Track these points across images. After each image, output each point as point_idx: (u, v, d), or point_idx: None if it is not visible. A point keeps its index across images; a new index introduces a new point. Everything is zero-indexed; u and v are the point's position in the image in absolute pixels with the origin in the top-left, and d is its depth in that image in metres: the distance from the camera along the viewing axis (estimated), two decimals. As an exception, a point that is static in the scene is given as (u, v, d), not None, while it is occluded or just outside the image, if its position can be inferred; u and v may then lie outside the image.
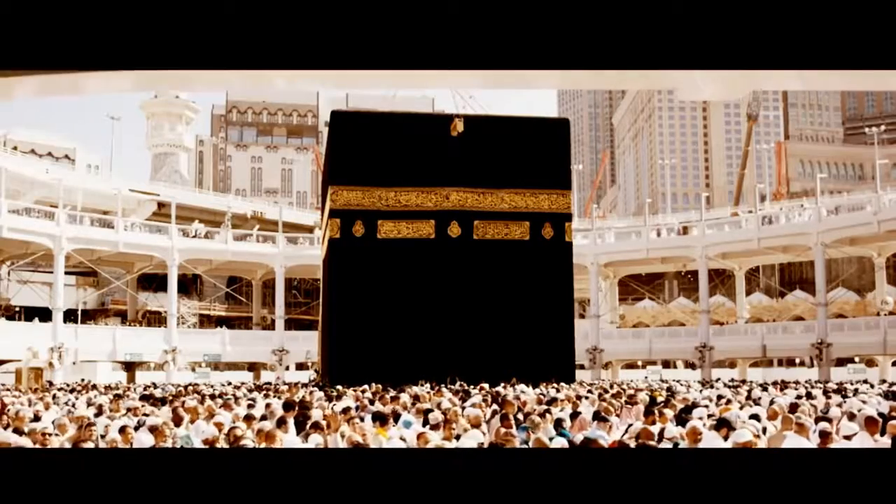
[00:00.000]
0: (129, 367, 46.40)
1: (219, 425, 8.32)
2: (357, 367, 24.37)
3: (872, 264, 45.84)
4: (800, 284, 52.87)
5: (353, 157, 27.72)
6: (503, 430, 8.17)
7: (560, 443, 7.14)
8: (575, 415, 9.83)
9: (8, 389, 23.77)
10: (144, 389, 22.58)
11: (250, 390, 20.26)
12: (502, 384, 19.58)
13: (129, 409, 11.62)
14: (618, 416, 10.66)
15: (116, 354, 43.38)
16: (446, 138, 26.07)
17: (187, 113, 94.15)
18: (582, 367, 41.91)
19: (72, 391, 22.59)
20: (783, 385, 24.04)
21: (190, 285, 56.69)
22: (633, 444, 7.38)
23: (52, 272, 41.19)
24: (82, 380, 34.02)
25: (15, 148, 60.43)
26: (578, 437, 7.68)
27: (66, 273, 42.53)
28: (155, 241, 44.64)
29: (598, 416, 9.41)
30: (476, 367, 23.65)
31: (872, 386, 23.38)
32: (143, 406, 12.56)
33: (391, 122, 29.18)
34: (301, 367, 47.23)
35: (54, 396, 18.26)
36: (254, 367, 50.82)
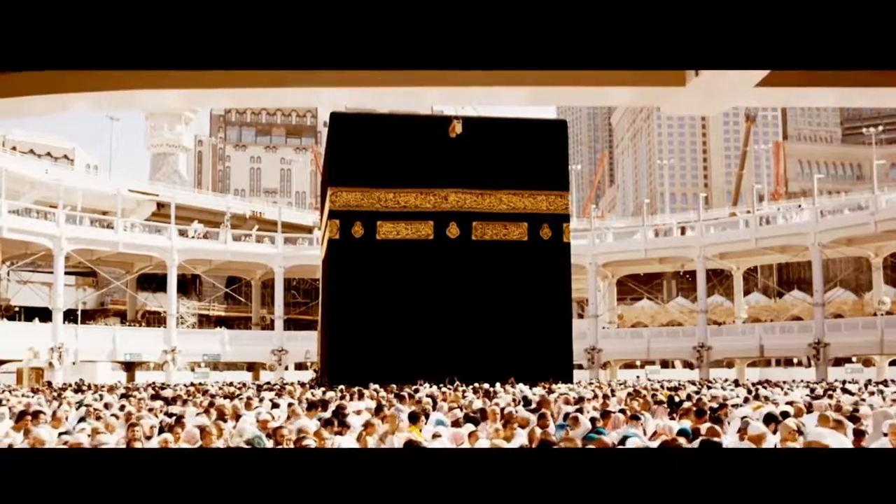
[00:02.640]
0: (129, 367, 46.48)
1: (263, 424, 8.25)
2: (356, 368, 24.47)
3: (870, 264, 45.99)
4: (798, 284, 53.03)
5: (352, 158, 27.82)
6: (539, 428, 8.19)
7: (635, 442, 7.03)
8: (606, 414, 9.88)
9: (11, 389, 23.80)
10: (153, 389, 22.57)
11: (258, 390, 20.17)
12: (499, 384, 19.69)
13: (150, 409, 11.55)
14: (652, 415, 10.67)
15: (116, 354, 43.45)
16: (445, 140, 26.16)
17: (186, 113, 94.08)
18: (580, 366, 42.00)
19: (77, 391, 22.64)
20: (775, 384, 24.24)
21: (189, 285, 56.78)
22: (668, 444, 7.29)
23: (51, 272, 41.26)
24: (81, 380, 34.04)
25: (14, 148, 60.44)
26: (613, 436, 7.68)
27: (66, 273, 42.61)
28: (154, 242, 44.74)
29: (632, 415, 9.48)
30: (474, 366, 23.77)
31: (867, 384, 23.48)
32: (162, 406, 12.46)
33: (390, 124, 29.28)
34: (300, 367, 47.32)
35: (60, 395, 18.29)
36: (253, 367, 50.90)
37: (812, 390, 18.72)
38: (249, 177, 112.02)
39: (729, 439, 7.65)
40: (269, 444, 7.23)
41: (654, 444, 7.32)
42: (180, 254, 44.71)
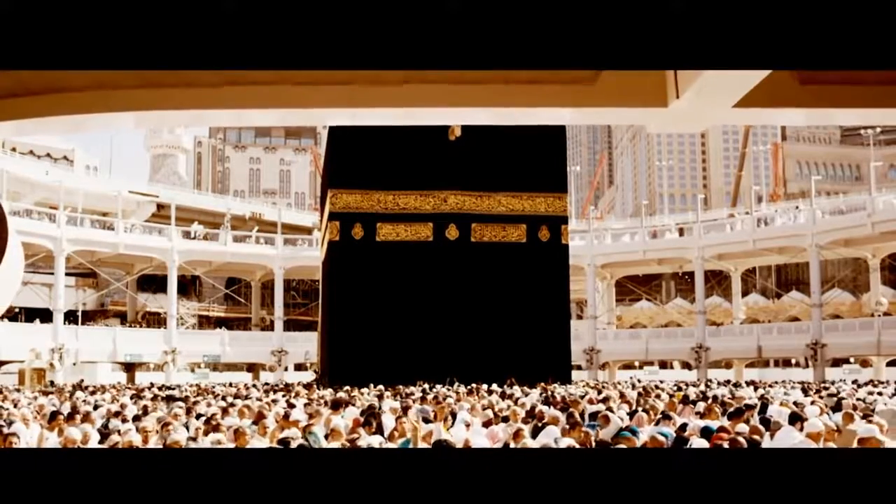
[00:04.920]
0: (129, 367, 46.57)
1: (294, 424, 8.30)
2: (356, 368, 24.63)
3: (867, 265, 46.14)
4: (796, 285, 53.18)
5: (352, 160, 28.00)
6: (568, 426, 8.19)
7: (702, 443, 6.95)
8: (633, 413, 10.00)
9: (18, 390, 23.92)
10: (160, 389, 22.62)
11: (267, 391, 20.13)
12: (496, 384, 19.86)
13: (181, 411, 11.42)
14: (679, 414, 10.77)
15: (117, 355, 43.54)
16: (444, 142, 26.36)
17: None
18: (579, 367, 42.15)
19: (82, 390, 22.73)
20: (767, 385, 24.42)
21: (189, 286, 56.88)
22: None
23: (52, 273, 41.37)
24: (81, 381, 34.17)
25: (14, 149, 60.53)
26: (643, 434, 7.70)
27: (66, 274, 42.71)
28: (155, 243, 44.87)
29: (664, 414, 9.60)
30: (474, 367, 23.94)
31: (857, 386, 23.60)
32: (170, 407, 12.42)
33: (390, 126, 29.44)
34: (300, 367, 47.41)
35: (71, 395, 18.36)
36: (253, 368, 51.01)
37: (806, 392, 18.87)
38: (249, 178, 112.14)
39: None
40: (325, 443, 7.19)
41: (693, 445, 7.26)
42: (180, 255, 44.82)
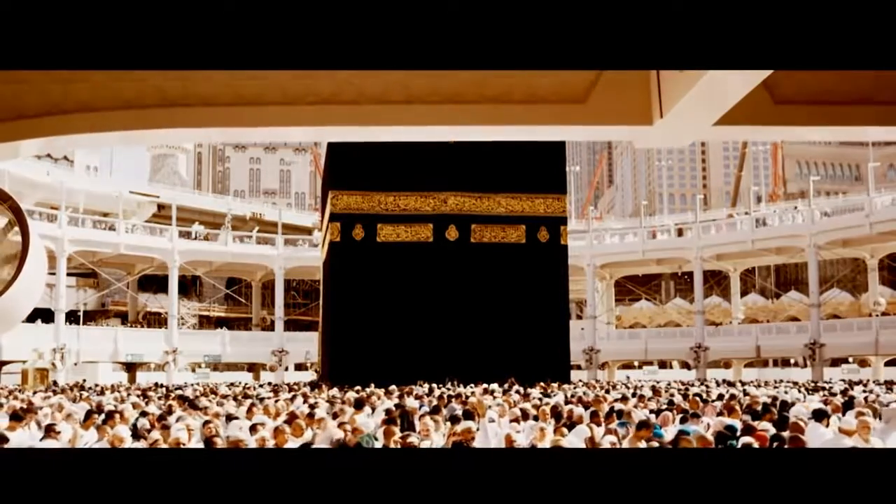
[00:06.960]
0: (130, 367, 46.69)
1: (318, 423, 8.40)
2: (356, 368, 24.73)
3: (866, 265, 46.25)
4: (795, 285, 53.28)
5: (352, 161, 28.14)
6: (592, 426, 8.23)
7: (745, 441, 6.86)
8: (659, 412, 10.10)
9: (21, 391, 23.98)
10: (168, 390, 22.66)
11: (275, 391, 20.12)
12: (497, 384, 19.95)
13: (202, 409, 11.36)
14: (702, 413, 10.85)
15: (118, 355, 43.66)
16: (444, 143, 26.45)
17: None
18: (578, 367, 42.27)
19: (86, 389, 22.75)
20: (758, 385, 24.54)
21: (190, 286, 56.99)
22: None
23: (53, 273, 41.44)
24: (83, 380, 34.28)
25: (15, 150, 60.49)
26: (670, 432, 7.73)
27: (67, 274, 42.80)
28: (156, 243, 44.98)
29: (692, 413, 9.74)
30: (473, 367, 24.06)
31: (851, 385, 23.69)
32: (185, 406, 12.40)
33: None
34: (300, 367, 47.54)
35: (82, 395, 18.39)
36: (253, 368, 51.14)
37: (808, 391, 18.98)
38: (249, 178, 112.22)
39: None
40: (379, 444, 7.22)
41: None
42: (181, 255, 44.93)
